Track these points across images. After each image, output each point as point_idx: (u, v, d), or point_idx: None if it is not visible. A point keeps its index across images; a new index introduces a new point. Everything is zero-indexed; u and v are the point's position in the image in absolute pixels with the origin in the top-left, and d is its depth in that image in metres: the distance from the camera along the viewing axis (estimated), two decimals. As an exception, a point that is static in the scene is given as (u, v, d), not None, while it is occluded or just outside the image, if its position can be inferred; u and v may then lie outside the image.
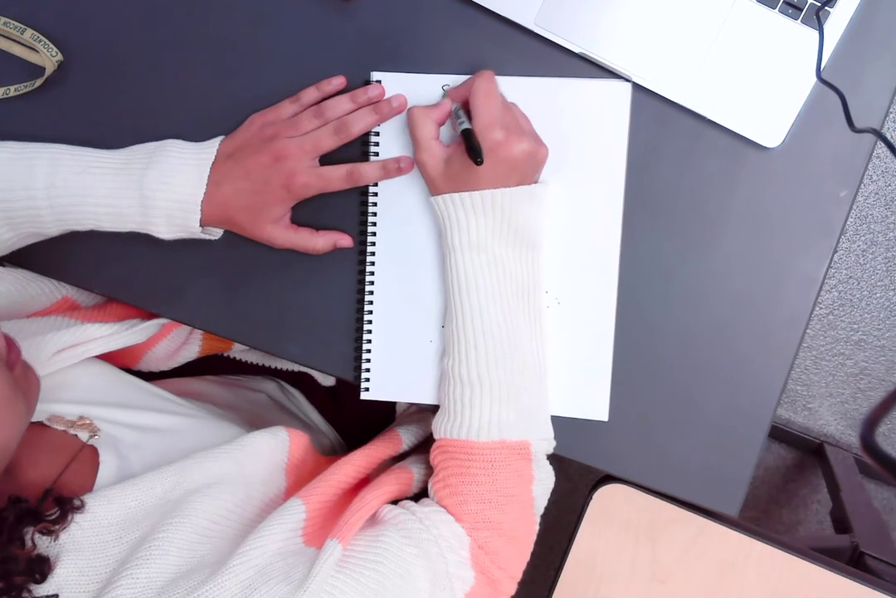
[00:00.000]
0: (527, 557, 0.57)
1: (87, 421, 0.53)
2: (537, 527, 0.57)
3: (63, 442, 0.51)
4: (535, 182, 0.56)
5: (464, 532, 0.53)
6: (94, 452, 0.51)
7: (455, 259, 0.55)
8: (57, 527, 0.44)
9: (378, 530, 0.51)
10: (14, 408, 0.43)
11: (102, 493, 0.47)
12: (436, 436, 0.57)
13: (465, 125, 0.52)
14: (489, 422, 0.54)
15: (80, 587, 0.44)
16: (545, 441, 0.58)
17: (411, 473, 0.60)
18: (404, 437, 0.66)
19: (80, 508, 0.46)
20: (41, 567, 0.43)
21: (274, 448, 0.57)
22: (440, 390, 0.58)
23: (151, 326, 0.64)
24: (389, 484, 0.56)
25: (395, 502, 0.56)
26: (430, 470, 0.61)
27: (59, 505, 0.45)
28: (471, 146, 0.50)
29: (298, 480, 0.58)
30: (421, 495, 0.59)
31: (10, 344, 0.45)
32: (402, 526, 0.52)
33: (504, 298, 0.54)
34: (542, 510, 0.58)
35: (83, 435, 0.52)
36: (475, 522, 0.54)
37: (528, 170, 0.54)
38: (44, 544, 0.44)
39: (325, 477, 0.55)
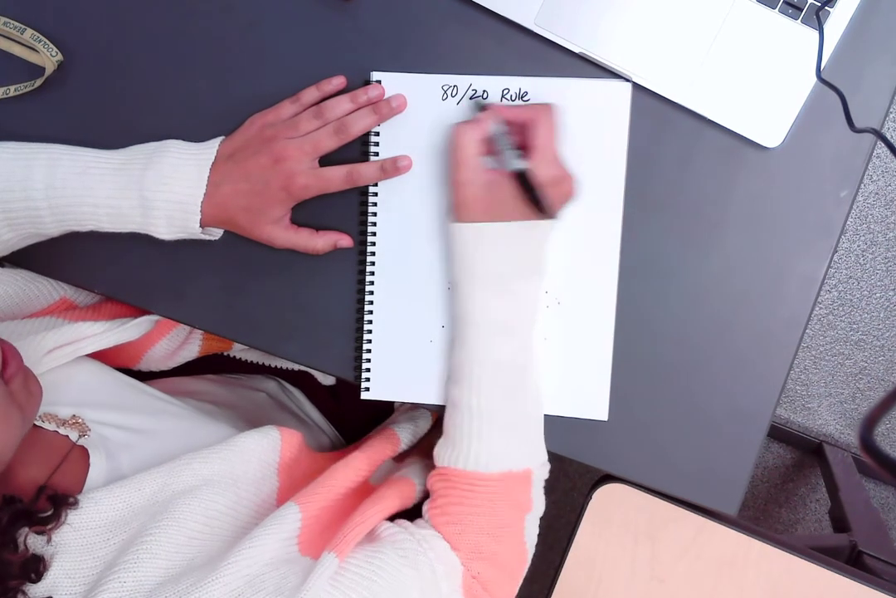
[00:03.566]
0: (519, 581, 0.57)
1: (79, 420, 0.53)
2: (530, 556, 0.57)
3: (53, 442, 0.50)
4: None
5: (458, 562, 0.54)
6: (84, 453, 0.51)
7: (471, 290, 0.53)
8: (50, 527, 0.44)
9: (375, 547, 0.51)
10: (9, 420, 0.43)
11: (90, 495, 0.47)
12: (438, 464, 0.57)
13: (518, 165, 0.49)
14: (498, 453, 0.54)
15: (67, 589, 0.43)
16: (543, 467, 0.58)
17: (413, 484, 0.60)
18: (402, 436, 0.65)
19: (74, 504, 0.46)
20: (36, 567, 0.42)
21: (265, 448, 0.56)
22: (445, 418, 0.57)
23: (144, 322, 0.64)
24: (391, 498, 0.56)
25: (393, 516, 0.56)
26: None
27: (54, 503, 0.45)
28: (534, 198, 0.48)
29: (291, 479, 0.57)
30: (422, 503, 0.59)
31: (8, 357, 0.45)
32: (400, 546, 0.52)
33: (517, 330, 0.54)
34: (535, 538, 0.58)
35: (73, 435, 0.51)
36: (471, 552, 0.54)
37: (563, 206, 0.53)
38: (37, 544, 0.44)
39: (323, 482, 0.55)
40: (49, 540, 0.44)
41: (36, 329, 0.58)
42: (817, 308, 1.39)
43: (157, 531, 0.46)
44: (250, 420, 0.69)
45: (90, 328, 0.59)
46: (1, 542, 0.41)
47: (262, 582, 0.45)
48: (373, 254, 0.59)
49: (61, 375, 0.56)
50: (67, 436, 0.51)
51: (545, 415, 0.60)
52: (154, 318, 0.65)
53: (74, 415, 0.53)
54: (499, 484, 0.54)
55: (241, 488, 0.53)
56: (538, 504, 0.57)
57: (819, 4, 0.54)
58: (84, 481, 0.49)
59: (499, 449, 0.54)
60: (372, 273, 0.59)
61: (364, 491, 0.59)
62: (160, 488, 0.50)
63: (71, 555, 0.44)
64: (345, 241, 0.59)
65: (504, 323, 0.54)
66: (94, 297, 0.67)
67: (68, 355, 0.57)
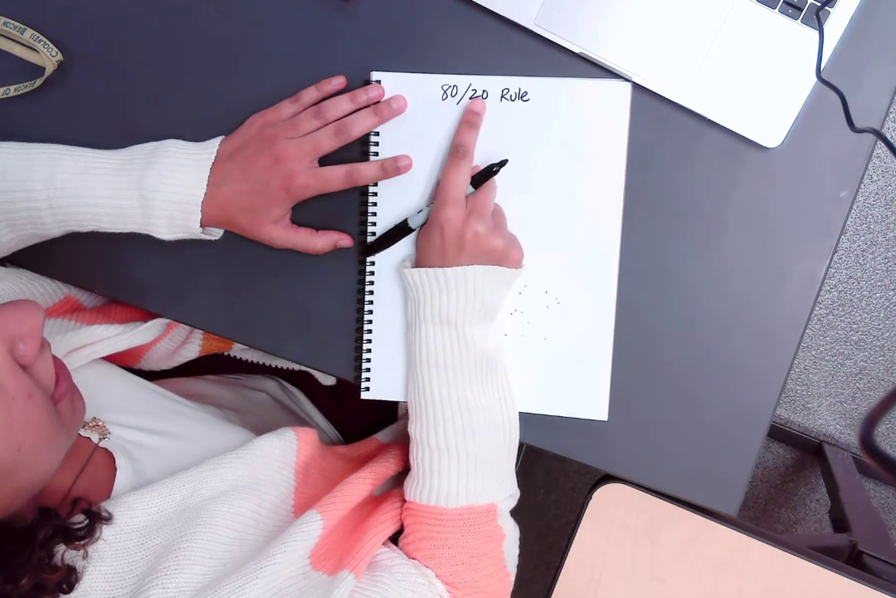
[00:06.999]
0: None
1: (99, 423, 0.53)
2: (512, 578, 0.58)
3: (76, 444, 0.50)
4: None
5: (444, 588, 0.55)
6: (107, 455, 0.51)
7: (421, 331, 0.55)
8: (85, 542, 0.44)
9: (374, 572, 0.52)
10: (56, 442, 0.43)
11: (123, 500, 0.47)
12: (406, 497, 0.58)
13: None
14: (457, 489, 0.55)
15: (106, 593, 0.44)
16: (511, 498, 0.58)
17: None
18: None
19: (108, 519, 0.46)
20: (69, 578, 0.42)
21: (283, 449, 0.57)
22: (410, 454, 0.58)
23: (156, 325, 0.64)
24: (390, 522, 0.57)
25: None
26: None
27: (88, 516, 0.44)
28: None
29: (307, 477, 0.58)
30: None
31: (60, 376, 0.44)
32: (397, 570, 0.53)
33: (469, 371, 0.55)
34: (516, 560, 0.59)
35: (94, 437, 0.51)
36: (452, 582, 0.55)
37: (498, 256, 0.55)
38: (72, 556, 0.43)
39: (342, 495, 0.56)
40: (85, 556, 0.44)
41: (49, 332, 0.58)
42: (817, 308, 1.39)
43: (192, 537, 0.47)
44: (253, 421, 0.69)
45: (105, 331, 0.59)
46: (39, 557, 0.40)
47: (286, 595, 0.46)
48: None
49: (77, 377, 0.56)
50: (89, 438, 0.51)
51: (544, 415, 0.60)
52: (165, 321, 0.65)
53: (95, 417, 0.53)
54: (461, 518, 0.55)
55: (264, 491, 0.54)
56: (510, 530, 0.58)
57: (819, 4, 0.54)
58: (111, 485, 0.49)
59: (458, 485, 0.55)
60: (372, 273, 0.59)
61: (365, 504, 0.59)
62: (190, 494, 0.50)
63: (108, 560, 0.45)
64: (345, 241, 0.59)
65: (453, 364, 0.55)
66: (100, 297, 0.67)
67: (84, 358, 0.58)
